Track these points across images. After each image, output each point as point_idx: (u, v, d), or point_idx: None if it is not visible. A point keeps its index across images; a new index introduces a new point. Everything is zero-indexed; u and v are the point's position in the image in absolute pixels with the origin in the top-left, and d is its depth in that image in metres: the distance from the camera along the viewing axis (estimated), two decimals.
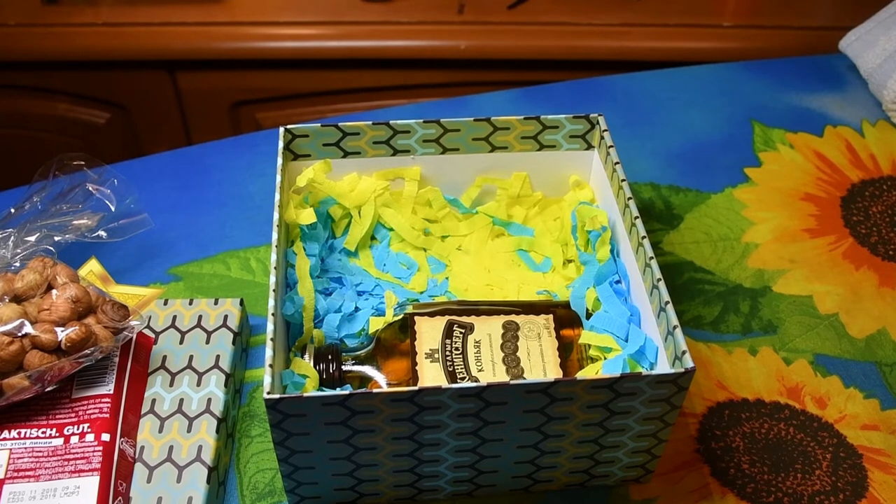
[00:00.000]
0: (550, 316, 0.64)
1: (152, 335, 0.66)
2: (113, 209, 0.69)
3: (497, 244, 0.74)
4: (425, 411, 0.53)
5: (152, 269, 0.77)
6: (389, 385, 0.61)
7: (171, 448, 0.59)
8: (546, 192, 0.76)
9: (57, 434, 0.58)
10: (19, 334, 0.57)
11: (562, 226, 0.73)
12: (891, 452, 0.65)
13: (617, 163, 0.67)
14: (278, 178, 0.66)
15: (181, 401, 0.62)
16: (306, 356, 0.62)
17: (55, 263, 0.61)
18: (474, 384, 0.51)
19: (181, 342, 0.66)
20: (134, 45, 1.25)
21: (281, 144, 0.69)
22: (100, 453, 0.57)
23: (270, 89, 1.32)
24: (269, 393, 0.51)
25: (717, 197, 0.86)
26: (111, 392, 0.60)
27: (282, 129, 0.69)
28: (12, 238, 0.64)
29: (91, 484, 0.55)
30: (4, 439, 0.57)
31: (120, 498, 0.56)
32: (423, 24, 1.25)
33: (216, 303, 0.68)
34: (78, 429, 0.58)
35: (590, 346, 0.64)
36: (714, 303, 0.76)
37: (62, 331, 0.57)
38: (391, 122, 0.70)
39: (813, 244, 0.81)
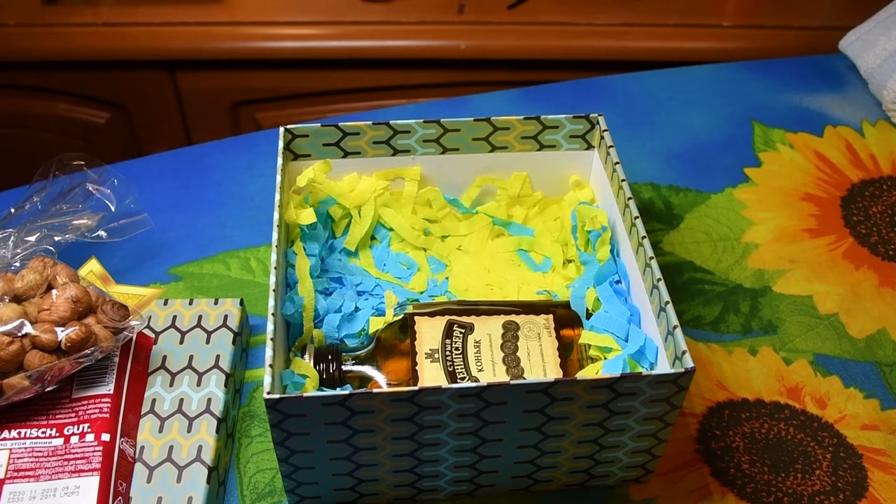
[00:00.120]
0: (550, 316, 0.64)
1: (152, 335, 0.66)
2: (113, 209, 0.69)
3: (497, 244, 0.74)
4: (425, 411, 0.53)
5: (152, 269, 0.77)
6: (389, 385, 0.61)
7: (171, 448, 0.59)
8: (546, 192, 0.76)
9: (57, 434, 0.58)
10: (19, 334, 0.57)
11: (562, 226, 0.73)
12: (891, 452, 0.65)
13: (617, 163, 0.67)
14: (278, 178, 0.66)
15: (181, 401, 0.62)
16: (306, 356, 0.62)
17: (55, 263, 0.61)
18: (474, 384, 0.51)
19: (181, 342, 0.66)
20: (134, 45, 1.25)
21: (281, 144, 0.69)
22: (100, 453, 0.57)
23: (270, 89, 1.32)
24: (269, 393, 0.51)
25: (717, 197, 0.86)
26: (111, 392, 0.60)
27: (282, 129, 0.69)
28: (12, 238, 0.64)
29: (91, 484, 0.55)
30: (4, 439, 0.57)
31: (120, 498, 0.56)
32: (423, 24, 1.25)
33: (216, 303, 0.68)
34: (78, 429, 0.58)
35: (590, 346, 0.64)
36: (714, 303, 0.76)
37: (62, 331, 0.57)
38: (391, 122, 0.70)
39: (813, 244, 0.81)
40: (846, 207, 0.85)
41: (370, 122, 0.70)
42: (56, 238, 0.65)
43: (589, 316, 0.65)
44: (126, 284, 0.70)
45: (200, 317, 0.67)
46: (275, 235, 0.62)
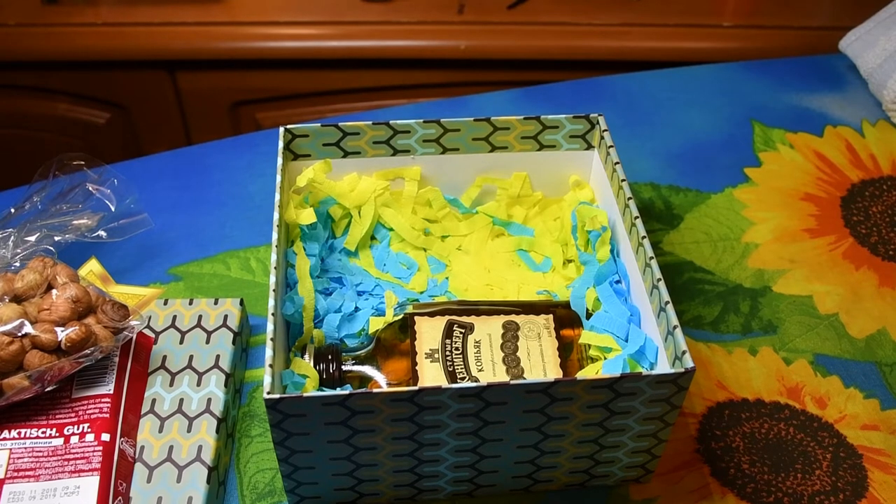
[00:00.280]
0: (550, 316, 0.64)
1: (152, 335, 0.66)
2: (113, 209, 0.69)
3: (497, 244, 0.74)
4: (425, 411, 0.53)
5: (152, 269, 0.77)
6: (389, 385, 0.61)
7: (171, 448, 0.59)
8: (546, 192, 0.76)
9: (57, 434, 0.58)
10: (19, 334, 0.57)
11: (562, 226, 0.73)
12: (891, 452, 0.65)
13: (617, 163, 0.67)
14: (278, 178, 0.66)
15: (181, 401, 0.62)
16: (306, 356, 0.62)
17: (55, 263, 0.61)
18: (474, 384, 0.51)
19: (181, 342, 0.66)
20: (134, 45, 1.25)
21: (281, 144, 0.69)
22: (100, 453, 0.57)
23: (270, 89, 1.32)
24: (269, 393, 0.51)
25: (717, 197, 0.86)
26: (111, 392, 0.60)
27: (282, 129, 0.69)
28: (12, 238, 0.64)
29: (91, 484, 0.55)
30: (4, 439, 0.57)
31: (120, 498, 0.56)
32: (423, 24, 1.25)
33: (216, 303, 0.68)
34: (78, 429, 0.58)
35: (590, 346, 0.64)
36: (714, 303, 0.76)
37: (62, 331, 0.57)
38: (391, 122, 0.70)
39: (813, 244, 0.81)
40: (846, 207, 0.85)
41: (370, 122, 0.70)
42: (56, 238, 0.65)
43: (589, 316, 0.65)
44: (126, 284, 0.70)
45: (200, 317, 0.67)
46: (275, 235, 0.62)
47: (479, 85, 1.26)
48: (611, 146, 0.69)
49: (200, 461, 0.59)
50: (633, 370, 0.60)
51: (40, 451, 0.57)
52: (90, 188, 0.69)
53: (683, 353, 0.54)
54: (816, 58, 1.04)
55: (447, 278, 0.72)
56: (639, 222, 0.62)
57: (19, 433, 0.58)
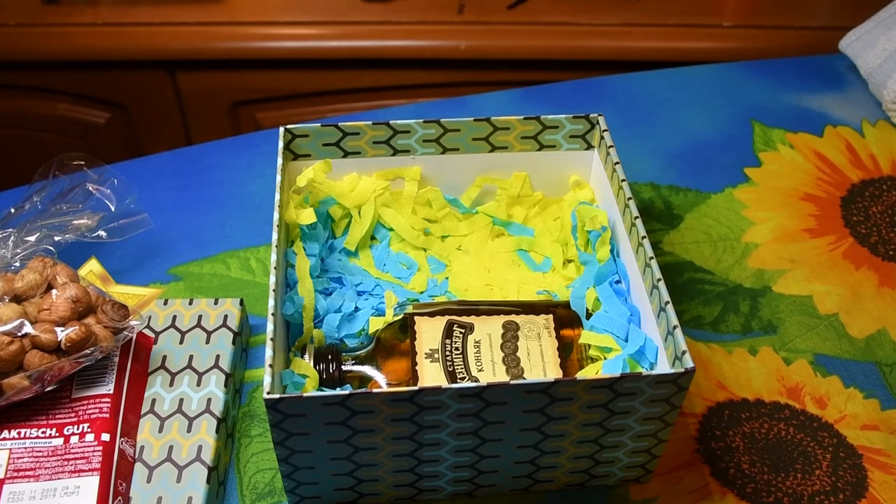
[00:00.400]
0: (550, 316, 0.64)
1: (152, 335, 0.66)
2: (113, 209, 0.69)
3: (497, 244, 0.74)
4: (425, 411, 0.53)
5: (152, 269, 0.77)
6: (389, 385, 0.61)
7: (171, 448, 0.59)
8: (546, 192, 0.76)
9: (57, 434, 0.58)
10: (19, 334, 0.57)
11: (562, 226, 0.73)
12: (891, 452, 0.65)
13: (617, 163, 0.67)
14: (278, 178, 0.66)
15: (181, 401, 0.62)
16: (306, 356, 0.62)
17: (55, 263, 0.61)
18: (474, 384, 0.51)
19: (181, 342, 0.66)
20: (134, 45, 1.25)
21: (281, 144, 0.69)
22: (100, 453, 0.57)
23: (270, 89, 1.32)
24: (269, 393, 0.51)
25: (717, 197, 0.86)
26: (111, 392, 0.60)
27: (282, 129, 0.69)
28: (12, 238, 0.64)
29: (91, 484, 0.55)
30: (4, 439, 0.57)
31: (120, 498, 0.56)
32: (423, 24, 1.25)
33: (216, 303, 0.68)
34: (78, 429, 0.58)
35: (590, 346, 0.64)
36: (714, 303, 0.76)
37: (62, 331, 0.57)
38: (391, 122, 0.70)
39: (813, 244, 0.81)
40: (846, 207, 0.85)
41: (370, 122, 0.70)
42: (56, 238, 0.65)
43: (589, 316, 0.65)
44: (126, 284, 0.70)
45: (200, 317, 0.67)
46: (275, 235, 0.62)
47: (479, 85, 1.26)
48: (611, 146, 0.69)
49: (200, 461, 0.59)
50: (633, 370, 0.60)
51: (40, 451, 0.57)
52: (90, 188, 0.69)
53: (683, 353, 0.54)
54: (816, 58, 1.04)
55: (447, 278, 0.72)
56: (639, 222, 0.62)
57: (19, 433, 0.58)
